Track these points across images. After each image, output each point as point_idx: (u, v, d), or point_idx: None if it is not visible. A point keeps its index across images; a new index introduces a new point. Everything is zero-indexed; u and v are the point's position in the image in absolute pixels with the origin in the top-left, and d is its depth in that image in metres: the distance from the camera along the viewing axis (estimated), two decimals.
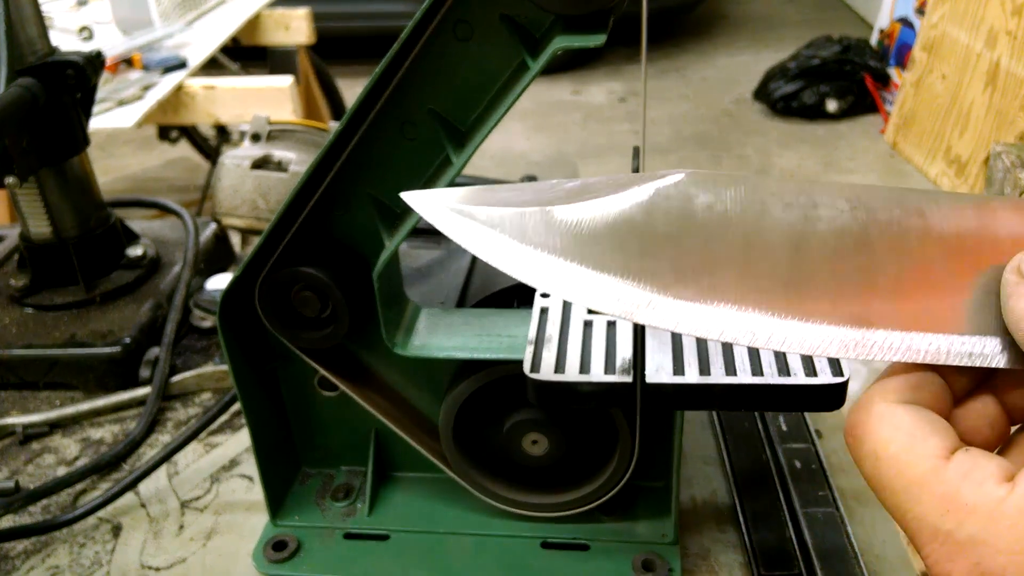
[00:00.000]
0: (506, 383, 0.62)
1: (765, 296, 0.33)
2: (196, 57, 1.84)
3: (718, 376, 0.52)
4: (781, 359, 0.53)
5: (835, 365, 0.52)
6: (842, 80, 3.48)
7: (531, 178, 1.06)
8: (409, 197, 0.37)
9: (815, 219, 0.34)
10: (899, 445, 0.31)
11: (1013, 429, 0.34)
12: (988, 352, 0.32)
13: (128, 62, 1.76)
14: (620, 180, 0.35)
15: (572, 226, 0.34)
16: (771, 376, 0.51)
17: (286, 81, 1.76)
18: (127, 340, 0.88)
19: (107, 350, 0.87)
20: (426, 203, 0.37)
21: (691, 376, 0.52)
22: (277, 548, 0.67)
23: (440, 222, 0.36)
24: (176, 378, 0.87)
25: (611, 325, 0.58)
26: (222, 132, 2.32)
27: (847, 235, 0.33)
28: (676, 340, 0.55)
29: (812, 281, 0.33)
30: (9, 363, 0.88)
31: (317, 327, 0.61)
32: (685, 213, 0.34)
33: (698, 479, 0.72)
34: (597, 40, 0.49)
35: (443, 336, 0.64)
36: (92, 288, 0.93)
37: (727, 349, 0.54)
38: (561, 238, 0.34)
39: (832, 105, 3.49)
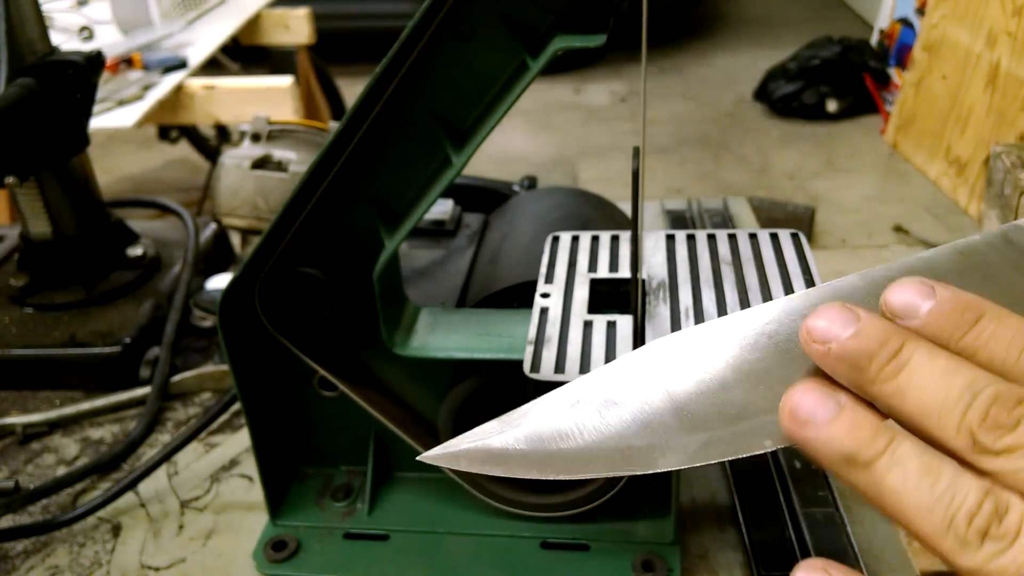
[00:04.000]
0: (506, 383, 0.62)
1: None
2: (196, 57, 1.84)
3: None
4: None
5: None
6: (842, 80, 3.48)
7: (532, 179, 1.06)
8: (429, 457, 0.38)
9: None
10: None
11: None
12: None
13: (128, 62, 1.76)
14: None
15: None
16: None
17: (286, 81, 1.76)
18: (127, 340, 0.88)
19: (107, 350, 0.87)
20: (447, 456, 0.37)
21: None
22: (277, 548, 0.67)
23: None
24: (176, 378, 0.87)
25: (611, 325, 0.58)
26: (222, 132, 2.33)
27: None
28: None
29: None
30: (9, 363, 0.88)
31: (317, 327, 0.61)
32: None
33: (698, 479, 0.72)
34: (597, 40, 0.49)
35: (443, 336, 0.64)
36: (92, 288, 0.93)
37: None
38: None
39: (832, 105, 3.49)
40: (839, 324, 0.31)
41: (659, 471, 0.33)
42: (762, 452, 0.32)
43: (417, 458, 0.38)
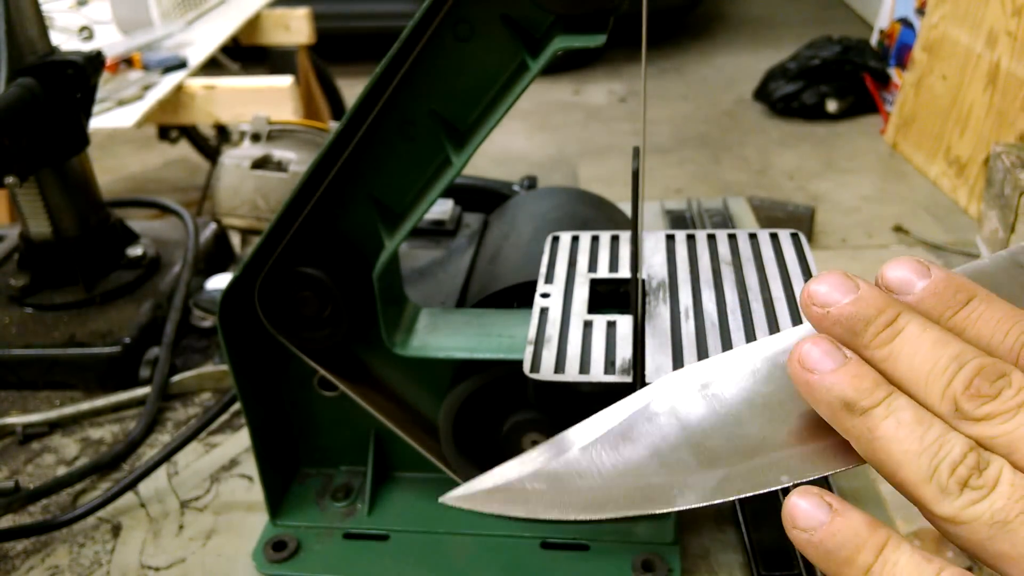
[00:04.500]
0: (506, 383, 0.62)
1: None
2: (196, 57, 1.84)
3: None
4: None
5: None
6: (842, 80, 3.48)
7: (532, 179, 1.06)
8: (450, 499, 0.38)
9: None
10: None
11: None
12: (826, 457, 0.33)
13: (128, 62, 1.76)
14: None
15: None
16: None
17: (286, 81, 1.76)
18: (127, 340, 0.88)
19: (107, 350, 0.87)
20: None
21: None
22: (277, 548, 0.67)
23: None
24: (176, 378, 0.87)
25: (611, 325, 0.58)
26: (222, 132, 2.32)
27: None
28: (676, 340, 0.55)
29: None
30: (9, 363, 0.88)
31: (317, 327, 0.61)
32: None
33: None
34: (597, 40, 0.49)
35: (443, 336, 0.64)
36: (92, 288, 0.94)
37: (726, 349, 0.54)
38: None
39: (832, 105, 3.49)
40: (840, 290, 0.32)
41: (678, 509, 0.33)
42: (778, 488, 0.33)
43: (440, 499, 0.37)
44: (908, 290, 0.33)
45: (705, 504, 0.33)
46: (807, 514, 0.31)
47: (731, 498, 0.33)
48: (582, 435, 0.36)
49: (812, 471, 0.33)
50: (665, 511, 0.33)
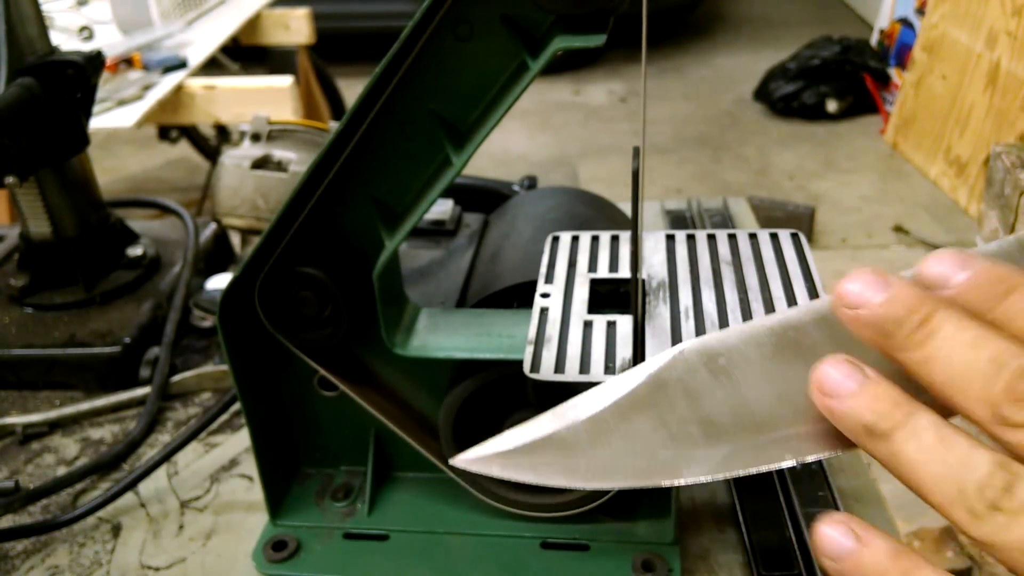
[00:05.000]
0: (506, 383, 0.62)
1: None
2: (196, 57, 1.84)
3: None
4: None
5: None
6: (842, 80, 3.48)
7: (532, 179, 1.06)
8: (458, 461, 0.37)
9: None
10: None
11: None
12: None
13: (128, 62, 1.76)
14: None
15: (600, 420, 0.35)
16: None
17: (286, 81, 1.76)
18: (127, 340, 0.88)
19: (107, 350, 0.87)
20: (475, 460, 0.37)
21: None
22: (277, 548, 0.67)
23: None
24: (176, 378, 0.87)
25: (611, 325, 0.58)
26: (222, 132, 2.32)
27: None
28: (676, 340, 0.55)
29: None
30: (9, 363, 0.88)
31: (317, 327, 0.61)
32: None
33: None
34: (597, 40, 0.49)
35: (443, 336, 0.64)
36: (92, 288, 0.94)
37: None
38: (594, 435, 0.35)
39: (832, 105, 3.49)
40: (871, 289, 0.31)
41: (683, 483, 0.33)
42: (783, 466, 0.33)
43: (451, 461, 0.37)
44: (947, 284, 0.31)
45: (710, 479, 0.33)
46: (834, 542, 0.30)
47: (735, 474, 0.33)
48: (592, 403, 0.36)
49: (815, 452, 0.33)
50: (670, 484, 0.33)
